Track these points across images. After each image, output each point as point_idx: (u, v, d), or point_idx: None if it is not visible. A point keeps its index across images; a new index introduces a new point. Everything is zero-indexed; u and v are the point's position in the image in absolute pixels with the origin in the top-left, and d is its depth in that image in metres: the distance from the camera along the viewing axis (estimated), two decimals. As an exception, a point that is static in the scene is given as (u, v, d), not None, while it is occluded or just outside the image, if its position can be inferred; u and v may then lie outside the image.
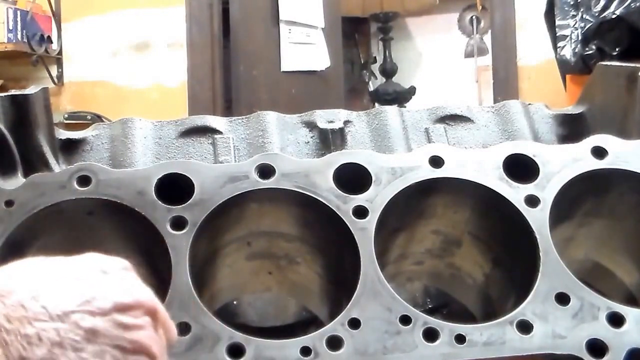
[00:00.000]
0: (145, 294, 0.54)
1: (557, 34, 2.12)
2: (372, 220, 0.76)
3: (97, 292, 0.51)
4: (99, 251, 0.65)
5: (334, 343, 0.68)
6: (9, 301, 0.48)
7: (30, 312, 0.48)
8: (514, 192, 0.79)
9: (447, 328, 0.70)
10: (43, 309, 0.48)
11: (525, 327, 0.71)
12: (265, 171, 0.78)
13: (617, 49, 1.73)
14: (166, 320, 0.55)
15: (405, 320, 0.70)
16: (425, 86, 4.92)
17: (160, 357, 0.53)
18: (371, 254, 0.74)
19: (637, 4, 1.66)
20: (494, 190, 0.79)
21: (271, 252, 0.87)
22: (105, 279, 0.53)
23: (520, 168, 0.81)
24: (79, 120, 3.19)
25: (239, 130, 1.08)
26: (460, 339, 0.70)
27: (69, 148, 1.04)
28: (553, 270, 0.74)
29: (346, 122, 1.10)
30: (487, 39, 4.61)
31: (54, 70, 3.37)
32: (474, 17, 5.02)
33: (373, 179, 0.79)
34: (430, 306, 1.05)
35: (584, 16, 1.92)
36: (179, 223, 0.74)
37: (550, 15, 2.17)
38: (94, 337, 0.49)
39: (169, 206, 0.75)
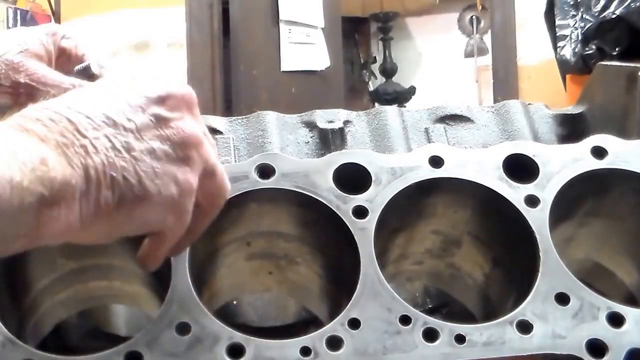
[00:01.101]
0: (177, 85, 0.58)
1: (557, 34, 2.11)
2: (372, 220, 0.76)
3: (130, 94, 0.55)
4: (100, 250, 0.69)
5: (334, 343, 0.68)
6: (59, 120, 0.51)
7: (80, 125, 0.51)
8: (514, 192, 0.79)
9: (447, 328, 0.70)
10: (88, 119, 0.52)
11: (525, 327, 0.71)
12: (265, 171, 0.78)
13: (617, 49, 1.72)
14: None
15: (405, 320, 0.70)
16: (425, 86, 4.92)
17: (205, 140, 0.58)
18: (371, 254, 0.74)
19: (637, 4, 1.66)
20: (494, 190, 0.79)
21: (271, 252, 0.87)
22: (135, 82, 0.58)
23: (520, 168, 0.81)
24: (78, 120, 3.18)
25: (238, 130, 1.08)
26: (460, 339, 0.70)
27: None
28: (553, 270, 0.74)
29: (346, 122, 1.10)
30: (487, 38, 4.61)
31: (53, 70, 3.37)
32: (474, 17, 5.03)
33: (373, 179, 0.79)
34: (430, 306, 1.05)
35: (584, 16, 1.91)
36: (178, 223, 0.74)
37: (550, 15, 2.17)
38: (140, 135, 0.53)
39: (169, 206, 0.75)
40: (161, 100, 0.56)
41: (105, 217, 0.52)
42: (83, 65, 0.85)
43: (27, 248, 0.51)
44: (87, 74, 0.84)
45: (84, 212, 0.51)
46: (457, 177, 0.80)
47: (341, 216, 0.76)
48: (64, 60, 0.84)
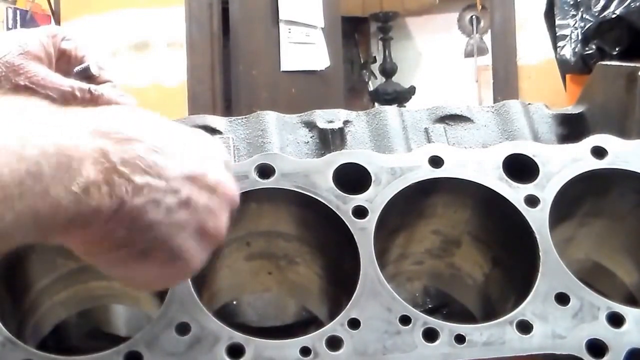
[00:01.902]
0: (230, 184, 0.59)
1: (557, 34, 2.11)
2: (371, 220, 0.76)
3: (208, 169, 0.56)
4: None
5: (334, 343, 0.68)
6: (129, 147, 0.51)
7: (144, 163, 0.51)
8: (514, 192, 0.79)
9: (447, 328, 0.70)
10: (156, 165, 0.52)
11: (525, 327, 0.71)
12: (265, 171, 0.78)
13: (617, 49, 1.72)
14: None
15: (405, 320, 0.70)
16: (425, 86, 4.92)
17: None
18: (371, 254, 0.74)
19: (637, 4, 1.66)
20: (494, 190, 0.79)
21: (271, 252, 0.87)
22: (208, 159, 0.57)
23: (520, 168, 0.80)
24: (78, 120, 3.18)
25: (238, 130, 1.08)
26: (460, 339, 0.70)
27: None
28: (553, 270, 0.74)
29: (346, 122, 1.10)
30: (487, 38, 4.61)
31: (53, 70, 3.37)
32: (473, 17, 5.03)
33: (373, 179, 0.79)
34: (430, 306, 1.05)
35: (584, 16, 1.91)
36: (178, 223, 0.74)
37: (550, 15, 2.17)
38: (186, 208, 0.54)
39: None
40: (213, 189, 0.57)
41: (108, 254, 0.53)
42: (82, 66, 0.85)
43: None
44: (86, 76, 0.84)
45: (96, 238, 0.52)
46: (457, 177, 0.80)
47: (341, 216, 0.76)
48: (64, 62, 0.85)
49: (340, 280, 0.80)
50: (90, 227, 0.50)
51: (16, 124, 0.47)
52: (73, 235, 0.51)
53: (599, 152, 0.82)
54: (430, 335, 0.69)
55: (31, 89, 0.78)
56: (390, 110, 1.12)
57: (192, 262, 0.57)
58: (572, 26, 2.05)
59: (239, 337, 0.68)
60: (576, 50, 1.99)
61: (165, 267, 0.55)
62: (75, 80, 0.82)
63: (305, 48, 3.24)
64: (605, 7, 1.77)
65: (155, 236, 0.53)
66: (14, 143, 0.45)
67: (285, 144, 1.08)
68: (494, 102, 1.32)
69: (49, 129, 0.48)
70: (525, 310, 0.72)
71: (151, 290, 0.62)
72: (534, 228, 0.76)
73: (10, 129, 0.46)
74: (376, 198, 0.77)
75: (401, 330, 0.70)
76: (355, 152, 0.82)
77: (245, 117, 1.10)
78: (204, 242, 0.57)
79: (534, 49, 3.39)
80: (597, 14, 1.81)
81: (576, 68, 2.02)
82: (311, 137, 1.09)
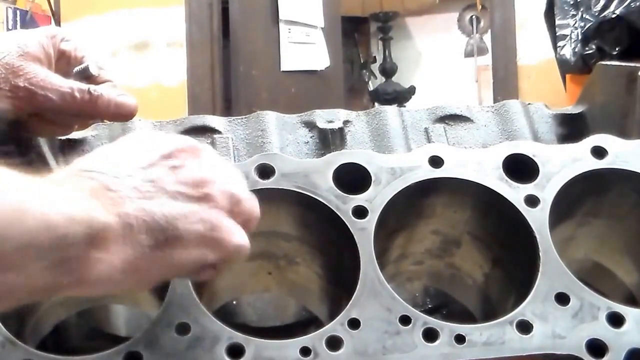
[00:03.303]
0: (181, 140, 0.65)
1: (557, 34, 2.11)
2: (371, 220, 0.76)
3: (145, 153, 0.61)
4: None
5: (334, 343, 0.68)
6: (89, 182, 0.56)
7: (109, 183, 0.56)
8: (514, 192, 0.79)
9: (447, 328, 0.70)
10: (116, 178, 0.57)
11: (525, 327, 0.71)
12: (265, 171, 0.78)
13: (617, 49, 1.72)
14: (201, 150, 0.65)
15: (405, 320, 0.70)
16: (425, 86, 4.92)
17: (217, 177, 0.63)
18: (371, 254, 0.74)
19: (637, 4, 1.66)
20: (494, 190, 0.79)
21: (271, 252, 0.87)
22: (148, 142, 0.64)
23: (520, 168, 0.80)
24: (78, 120, 3.18)
25: (238, 130, 1.08)
26: (460, 339, 0.70)
27: (69, 148, 1.04)
28: (553, 270, 0.74)
29: (346, 122, 1.10)
30: (487, 38, 4.61)
31: (53, 70, 3.37)
32: (473, 17, 5.02)
33: (372, 179, 0.79)
34: (430, 306, 1.05)
35: (584, 16, 1.91)
36: (178, 223, 0.74)
37: (550, 14, 2.17)
38: (159, 184, 0.59)
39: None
40: (170, 154, 0.62)
41: (144, 260, 0.56)
42: (81, 67, 0.85)
43: (70, 294, 0.57)
44: (86, 76, 0.84)
45: (125, 255, 0.55)
46: (457, 177, 0.80)
47: (341, 216, 0.76)
48: (64, 62, 0.85)
49: (340, 280, 0.80)
50: (106, 243, 0.54)
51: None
52: (100, 262, 0.54)
53: (599, 152, 0.82)
54: (430, 335, 0.69)
55: (30, 90, 0.78)
56: (390, 110, 1.12)
57: (232, 236, 0.61)
58: (572, 26, 2.05)
59: (239, 337, 0.68)
60: (576, 50, 1.99)
61: (195, 228, 0.59)
62: (75, 80, 0.82)
63: (305, 48, 3.24)
64: (605, 7, 1.77)
65: (165, 218, 0.57)
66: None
67: (285, 144, 1.07)
68: (494, 102, 1.32)
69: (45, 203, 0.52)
70: (525, 310, 0.72)
71: (226, 254, 0.65)
72: (534, 228, 0.76)
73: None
74: (376, 198, 0.77)
75: (401, 330, 0.70)
76: (355, 152, 0.82)
77: (245, 117, 1.10)
78: (198, 193, 0.61)
79: (534, 49, 3.39)
80: (597, 14, 1.81)
81: (576, 68, 2.02)
82: (311, 137, 1.09)
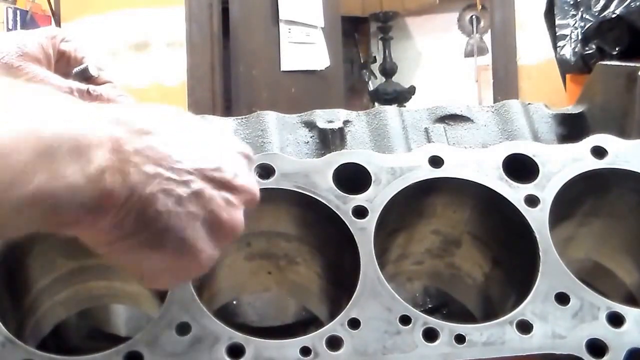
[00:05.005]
0: (245, 176, 0.59)
1: (557, 34, 2.11)
2: (371, 220, 0.76)
3: (224, 164, 0.57)
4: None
5: (334, 343, 0.68)
6: (144, 138, 0.53)
7: (157, 155, 0.53)
8: (514, 192, 0.79)
9: (447, 328, 0.70)
10: (168, 157, 0.53)
11: (525, 327, 0.71)
12: (265, 171, 0.78)
13: (617, 49, 1.72)
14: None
15: (405, 320, 0.70)
16: (425, 86, 4.92)
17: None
18: (371, 254, 0.74)
19: (637, 4, 1.66)
20: (494, 190, 0.79)
21: (271, 252, 0.87)
22: (226, 155, 0.58)
23: (520, 168, 0.80)
24: (78, 120, 3.18)
25: (238, 130, 1.08)
26: (460, 339, 0.70)
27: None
28: (553, 270, 0.74)
29: (346, 122, 1.10)
30: (487, 38, 4.61)
31: (53, 70, 3.37)
32: (473, 17, 5.03)
33: (373, 179, 0.79)
34: (430, 306, 1.05)
35: (584, 16, 1.91)
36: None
37: (550, 14, 2.17)
38: (198, 200, 0.54)
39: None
40: (228, 183, 0.57)
41: (117, 242, 0.53)
42: (81, 67, 0.85)
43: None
44: (85, 76, 0.84)
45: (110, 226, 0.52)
46: (457, 177, 0.80)
47: (341, 216, 0.76)
48: (64, 63, 0.85)
49: (340, 280, 0.80)
50: (101, 214, 0.51)
51: (35, 106, 0.48)
52: (84, 224, 0.51)
53: (599, 152, 0.82)
54: (430, 335, 0.69)
55: None
56: (390, 110, 1.12)
57: (202, 256, 0.56)
58: (572, 26, 2.04)
59: (239, 337, 0.68)
60: (576, 50, 1.99)
61: (175, 259, 0.55)
62: (74, 81, 0.82)
63: (305, 48, 3.23)
64: (605, 7, 1.77)
65: (164, 226, 0.53)
66: (31, 124, 0.46)
67: (285, 144, 1.08)
68: (494, 102, 1.32)
69: (69, 114, 0.49)
70: (525, 310, 0.72)
71: (160, 287, 0.61)
72: (534, 228, 0.76)
73: (29, 109, 0.47)
74: (376, 198, 0.77)
75: (401, 330, 0.70)
76: (355, 152, 0.82)
77: (245, 117, 1.10)
78: (215, 236, 0.56)
79: (534, 49, 3.39)
80: (597, 13, 1.81)
81: (576, 68, 2.02)
82: (311, 137, 1.09)
